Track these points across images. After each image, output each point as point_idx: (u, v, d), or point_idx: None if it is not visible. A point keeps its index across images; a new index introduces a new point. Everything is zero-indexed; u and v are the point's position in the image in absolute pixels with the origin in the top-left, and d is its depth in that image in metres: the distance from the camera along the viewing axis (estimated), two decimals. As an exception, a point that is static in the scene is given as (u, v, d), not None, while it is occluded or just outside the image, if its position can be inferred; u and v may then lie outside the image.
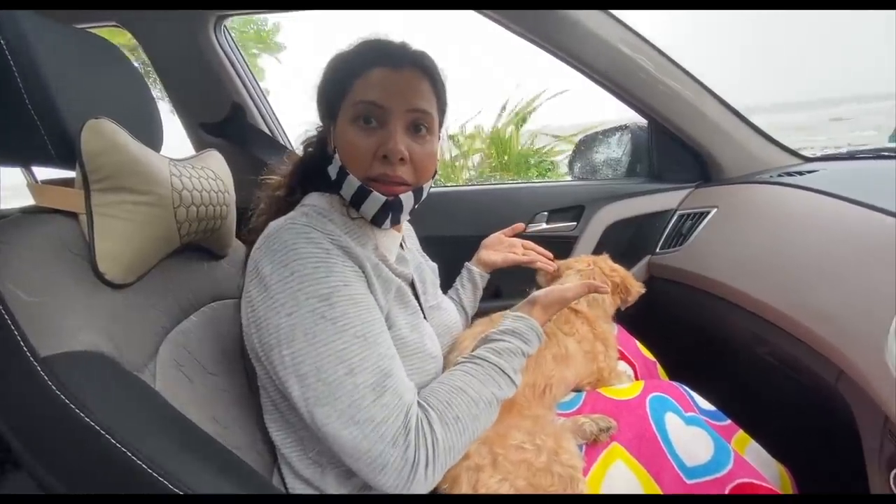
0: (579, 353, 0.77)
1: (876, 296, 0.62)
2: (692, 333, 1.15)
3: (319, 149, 0.67)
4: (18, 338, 0.46)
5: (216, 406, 0.63)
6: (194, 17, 1.22)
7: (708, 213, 1.11)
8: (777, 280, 0.81)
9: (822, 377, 0.70)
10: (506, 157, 4.33)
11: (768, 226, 0.94)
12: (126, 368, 0.52)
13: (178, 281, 0.70)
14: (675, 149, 1.25)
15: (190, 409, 0.57)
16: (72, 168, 0.58)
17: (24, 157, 0.60)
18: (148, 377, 0.57)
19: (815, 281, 0.74)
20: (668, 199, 1.26)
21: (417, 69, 0.61)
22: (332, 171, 0.62)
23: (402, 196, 0.60)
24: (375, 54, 0.60)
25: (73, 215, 0.58)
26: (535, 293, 0.69)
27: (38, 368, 0.46)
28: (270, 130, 1.41)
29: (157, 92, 1.33)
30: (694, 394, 0.74)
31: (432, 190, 0.68)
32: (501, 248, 0.95)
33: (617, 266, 0.92)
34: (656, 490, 0.60)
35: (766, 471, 0.66)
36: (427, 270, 0.80)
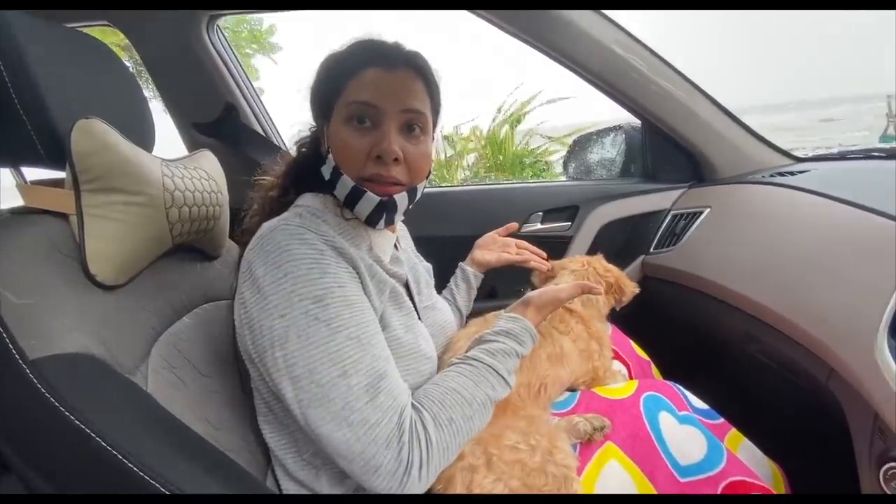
0: (574, 352, 0.77)
1: (866, 294, 0.63)
2: (686, 333, 1.15)
3: (313, 149, 0.67)
4: (7, 340, 0.46)
5: (209, 408, 0.63)
6: (186, 17, 1.21)
7: (701, 212, 1.12)
8: (769, 279, 0.82)
9: (813, 376, 0.70)
10: (501, 158, 4.34)
11: (761, 225, 0.95)
12: (117, 371, 0.52)
13: (170, 282, 0.69)
14: (669, 149, 1.26)
15: (182, 411, 0.57)
16: (62, 168, 0.57)
17: (12, 157, 0.59)
18: (140, 379, 0.56)
19: (806, 280, 0.74)
20: (661, 200, 1.27)
21: (411, 69, 0.60)
22: (326, 171, 0.62)
23: (396, 196, 0.60)
24: (369, 54, 0.60)
25: (64, 216, 0.58)
26: (529, 294, 0.69)
27: (27, 371, 0.45)
28: (264, 130, 1.40)
29: (150, 92, 1.33)
30: (688, 393, 0.75)
31: (427, 190, 0.67)
32: (495, 247, 0.95)
33: (611, 266, 0.93)
34: (650, 489, 0.60)
35: (759, 469, 0.66)
36: (421, 271, 0.80)
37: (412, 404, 0.54)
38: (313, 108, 0.65)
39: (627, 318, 0.98)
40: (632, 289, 0.91)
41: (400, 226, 0.81)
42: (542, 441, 0.61)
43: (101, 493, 0.47)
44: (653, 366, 0.93)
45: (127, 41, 1.24)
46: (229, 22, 5.62)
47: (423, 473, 0.50)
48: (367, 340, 0.52)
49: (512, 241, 0.96)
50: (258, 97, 1.41)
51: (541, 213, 1.30)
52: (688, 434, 0.65)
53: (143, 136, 0.69)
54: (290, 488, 0.61)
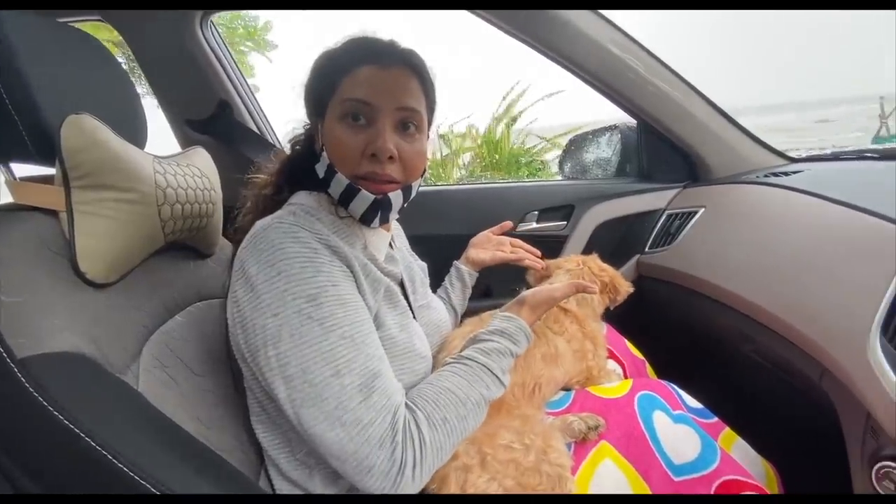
0: (569, 351, 0.77)
1: (859, 294, 0.63)
2: (680, 332, 1.16)
3: (307, 147, 0.66)
4: None
5: (201, 407, 0.62)
6: (180, 13, 1.20)
7: (696, 212, 1.12)
8: (763, 279, 0.82)
9: (807, 375, 0.70)
10: (497, 157, 4.34)
11: (755, 225, 0.95)
12: (107, 370, 0.51)
13: (162, 280, 0.69)
14: (664, 149, 1.26)
15: (174, 410, 0.56)
16: (51, 165, 0.56)
17: (1, 153, 0.58)
18: (131, 378, 0.56)
19: (799, 280, 0.75)
20: (656, 199, 1.27)
21: (406, 67, 0.60)
22: (320, 169, 0.62)
23: (390, 194, 0.60)
24: (364, 52, 0.60)
25: (53, 213, 0.57)
26: (524, 293, 0.69)
27: (15, 370, 0.45)
28: (258, 128, 1.39)
29: (142, 88, 1.31)
30: (682, 392, 0.75)
31: (422, 188, 0.67)
32: (489, 246, 0.95)
33: (606, 265, 0.93)
34: (644, 488, 0.61)
35: (752, 468, 0.66)
36: (416, 270, 0.80)
37: (406, 404, 0.53)
38: (307, 105, 0.65)
39: (622, 318, 0.98)
40: (626, 288, 0.91)
41: (394, 224, 0.81)
42: (537, 440, 0.61)
43: (90, 494, 0.46)
44: (647, 365, 0.93)
45: (120, 38, 1.23)
46: (224, 18, 5.58)
47: (416, 473, 0.50)
48: (360, 340, 0.52)
49: (506, 239, 0.96)
50: (253, 94, 1.40)
51: (536, 213, 1.30)
52: (682, 433, 0.65)
53: (135, 132, 0.69)
54: (283, 488, 0.60)
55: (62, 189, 0.55)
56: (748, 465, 0.66)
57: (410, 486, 0.50)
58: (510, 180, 3.86)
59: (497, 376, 0.59)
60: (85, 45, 0.67)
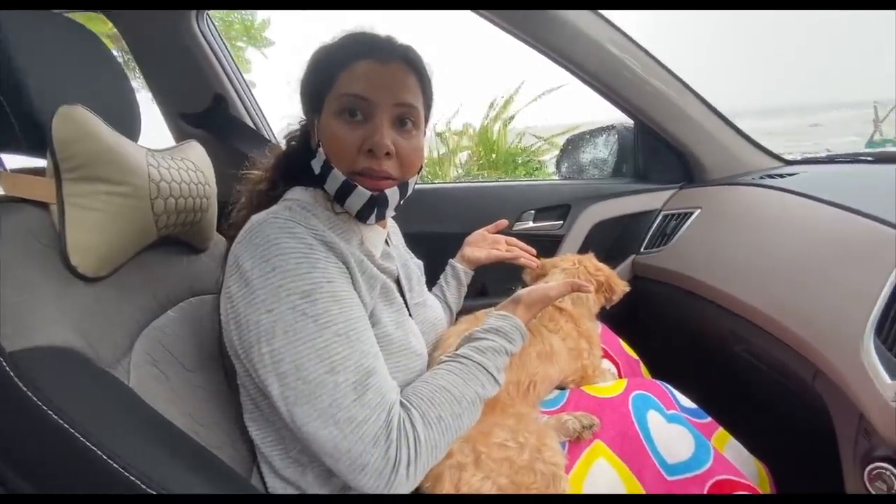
0: (563, 350, 0.77)
1: (852, 296, 0.64)
2: (675, 332, 1.16)
3: (303, 142, 0.66)
4: None
5: (193, 404, 0.62)
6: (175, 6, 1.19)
7: (692, 213, 1.13)
8: (757, 280, 0.83)
9: (800, 376, 0.71)
10: (493, 156, 4.34)
11: (750, 226, 0.96)
12: (98, 365, 0.51)
13: (155, 275, 0.68)
14: (661, 150, 1.27)
15: (165, 406, 0.56)
16: (42, 156, 0.55)
17: None
18: (121, 373, 0.55)
19: (794, 281, 0.75)
20: (652, 200, 1.28)
21: (404, 63, 0.60)
22: (316, 165, 0.61)
23: (387, 191, 0.60)
24: (361, 47, 0.59)
25: (44, 206, 0.56)
26: (520, 291, 0.69)
27: (4, 364, 0.44)
28: (254, 123, 1.38)
29: (137, 82, 1.30)
30: (676, 392, 0.75)
31: (419, 186, 0.67)
32: (485, 244, 0.95)
33: (602, 265, 0.93)
34: (638, 487, 0.61)
35: (745, 468, 0.67)
36: (413, 267, 0.80)
37: (401, 402, 0.53)
38: (303, 100, 0.64)
39: (617, 317, 0.98)
40: (622, 288, 0.91)
41: (390, 222, 0.80)
42: (531, 439, 0.61)
43: (81, 494, 0.45)
44: (642, 365, 0.94)
45: (115, 31, 1.22)
46: (220, 12, 5.54)
47: (410, 472, 0.49)
48: (355, 337, 0.52)
49: (502, 238, 0.96)
50: (249, 89, 1.39)
51: (533, 212, 1.30)
52: (676, 433, 0.65)
53: (128, 125, 0.68)
54: (276, 486, 0.60)
55: (53, 181, 0.54)
56: (741, 465, 0.66)
57: (404, 485, 0.50)
58: (507, 179, 3.86)
59: (492, 375, 0.59)
60: (78, 35, 0.66)
